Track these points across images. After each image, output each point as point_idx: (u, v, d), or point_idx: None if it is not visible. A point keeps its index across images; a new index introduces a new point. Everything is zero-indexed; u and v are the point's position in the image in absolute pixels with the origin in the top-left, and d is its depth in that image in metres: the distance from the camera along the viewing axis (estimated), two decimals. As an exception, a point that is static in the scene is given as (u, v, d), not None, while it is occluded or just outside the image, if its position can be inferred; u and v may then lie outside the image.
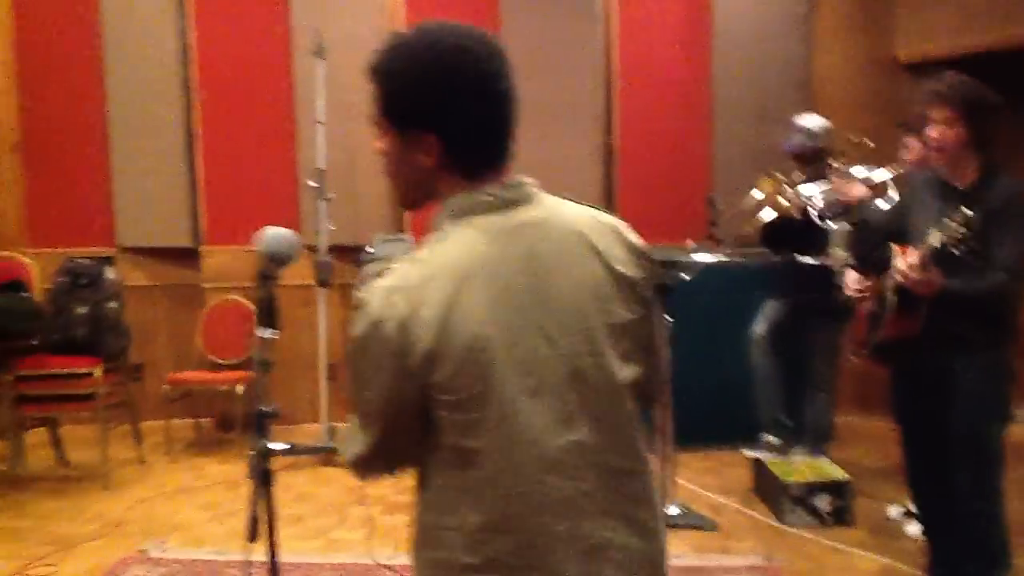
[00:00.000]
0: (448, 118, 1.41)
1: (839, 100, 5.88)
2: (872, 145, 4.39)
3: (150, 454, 5.41)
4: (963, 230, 2.54)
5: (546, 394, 1.40)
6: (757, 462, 4.66)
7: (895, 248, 3.00)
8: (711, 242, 4.61)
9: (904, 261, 2.81)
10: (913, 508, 4.21)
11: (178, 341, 6.01)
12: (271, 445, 1.94)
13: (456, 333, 1.35)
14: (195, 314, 5.89)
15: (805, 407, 4.76)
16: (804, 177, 4.49)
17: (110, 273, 5.09)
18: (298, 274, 5.88)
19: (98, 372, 4.82)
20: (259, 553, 3.99)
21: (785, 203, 4.45)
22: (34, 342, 4.88)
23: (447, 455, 1.42)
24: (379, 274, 1.42)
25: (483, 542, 1.41)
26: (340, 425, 5.69)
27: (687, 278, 4.15)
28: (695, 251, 4.58)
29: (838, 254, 3.03)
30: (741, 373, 4.91)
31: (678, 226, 5.81)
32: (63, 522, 4.38)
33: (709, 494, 4.65)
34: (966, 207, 2.96)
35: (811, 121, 4.66)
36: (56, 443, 5.21)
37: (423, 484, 1.49)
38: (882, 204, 4.08)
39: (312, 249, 5.72)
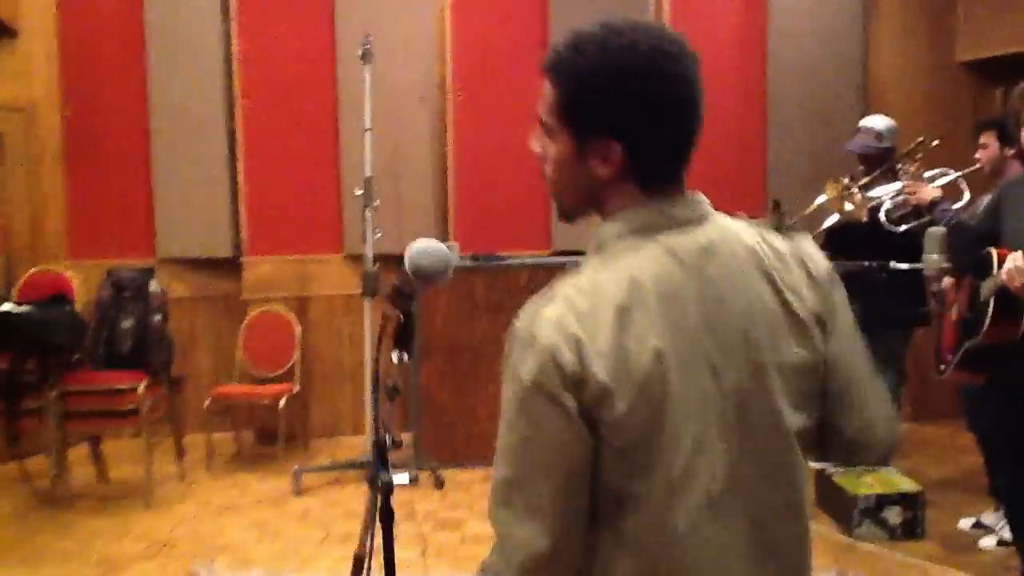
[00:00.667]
0: (639, 126, 1.26)
1: (896, 102, 5.70)
2: (936, 143, 4.25)
3: (191, 470, 5.30)
4: None
5: (711, 434, 1.25)
6: (822, 474, 4.48)
7: (994, 252, 2.83)
8: None
9: (1014, 263, 2.64)
10: (986, 520, 4.05)
11: (218, 353, 5.90)
12: (395, 479, 1.72)
13: (632, 365, 1.20)
14: (236, 326, 5.78)
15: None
16: (869, 179, 4.32)
17: (154, 285, 5.00)
18: (338, 283, 5.81)
19: (142, 387, 4.71)
20: (312, 575, 3.93)
21: (850, 207, 4.28)
22: (77, 356, 4.79)
23: (606, 504, 1.25)
24: (537, 302, 1.27)
25: None
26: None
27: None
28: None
29: (932, 259, 2.86)
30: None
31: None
32: (110, 542, 4.26)
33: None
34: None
35: (878, 122, 4.49)
36: (98, 459, 5.11)
37: None
38: (955, 206, 3.92)
39: (356, 259, 5.64)
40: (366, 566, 1.88)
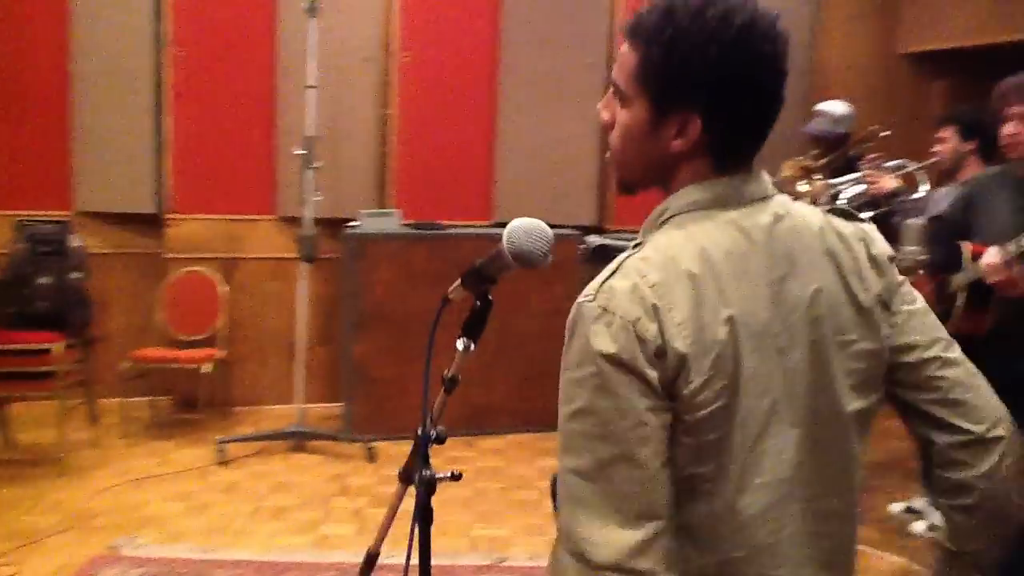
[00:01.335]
0: (722, 101, 1.21)
1: (839, 90, 5.74)
2: (887, 133, 4.29)
3: (104, 436, 5.02)
4: None
5: (778, 412, 1.21)
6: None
7: (967, 247, 2.85)
8: None
9: (994, 258, 2.65)
10: (916, 505, 4.14)
11: (136, 314, 5.59)
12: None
13: (707, 336, 1.15)
14: (156, 286, 5.48)
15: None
16: (826, 160, 4.33)
17: (74, 240, 4.67)
18: (269, 245, 5.57)
19: (59, 348, 4.41)
20: (246, 551, 3.75)
21: (804, 188, 4.29)
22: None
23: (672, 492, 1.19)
24: (604, 273, 1.20)
25: None
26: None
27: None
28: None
29: (910, 251, 2.85)
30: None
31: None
32: (21, 513, 3.98)
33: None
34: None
35: (837, 107, 4.51)
36: (3, 423, 4.78)
37: None
38: (912, 197, 3.96)
39: (289, 221, 5.41)
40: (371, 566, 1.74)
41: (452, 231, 5.24)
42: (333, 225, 5.27)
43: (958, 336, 2.85)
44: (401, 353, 5.11)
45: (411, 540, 1.45)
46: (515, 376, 5.28)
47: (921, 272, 2.93)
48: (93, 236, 5.41)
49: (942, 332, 1.34)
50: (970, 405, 1.32)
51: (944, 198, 3.91)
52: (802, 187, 4.29)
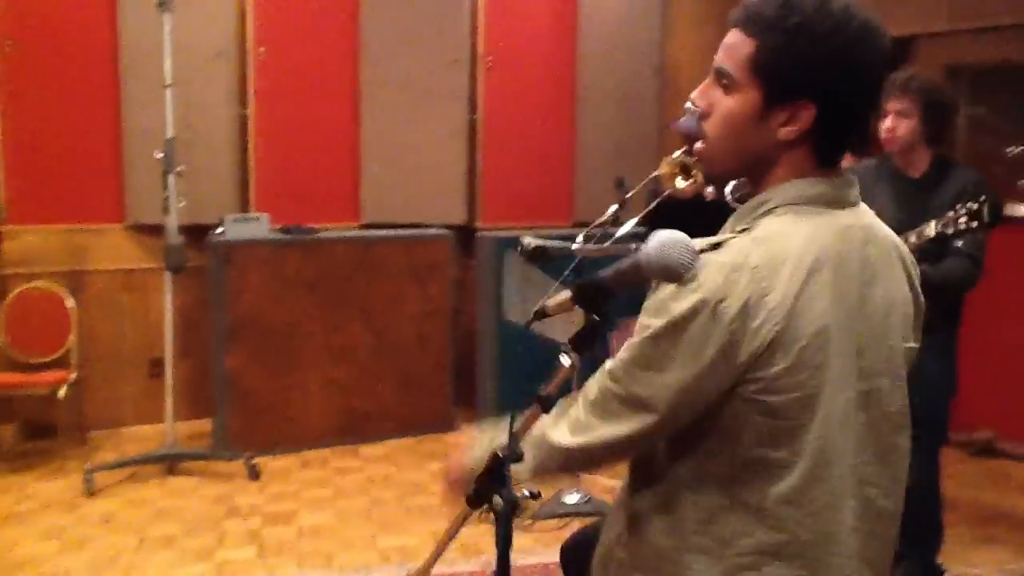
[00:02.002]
0: (839, 93, 1.26)
1: (688, 87, 5.97)
2: None
3: (-59, 472, 4.54)
4: (973, 222, 2.60)
5: (852, 411, 1.28)
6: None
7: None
8: (617, 226, 4.52)
9: None
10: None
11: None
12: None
13: (801, 325, 1.20)
14: (-9, 305, 4.99)
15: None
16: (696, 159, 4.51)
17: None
18: (119, 256, 5.19)
19: None
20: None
21: (683, 183, 4.44)
22: None
23: (734, 468, 1.25)
24: (704, 247, 1.23)
25: (754, 567, 1.26)
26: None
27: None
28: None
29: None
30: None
31: (542, 207, 5.73)
32: None
33: (599, 478, 4.60)
34: (921, 197, 3.08)
35: (701, 105, 4.70)
36: None
37: (664, 503, 1.31)
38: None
39: (141, 229, 5.07)
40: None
41: (324, 235, 5.08)
42: (191, 232, 4.97)
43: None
44: (277, 363, 4.91)
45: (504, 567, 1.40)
46: (395, 380, 5.20)
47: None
48: (-87, 253, 4.86)
49: None
50: None
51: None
52: (681, 183, 4.44)
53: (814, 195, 1.29)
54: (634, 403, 1.25)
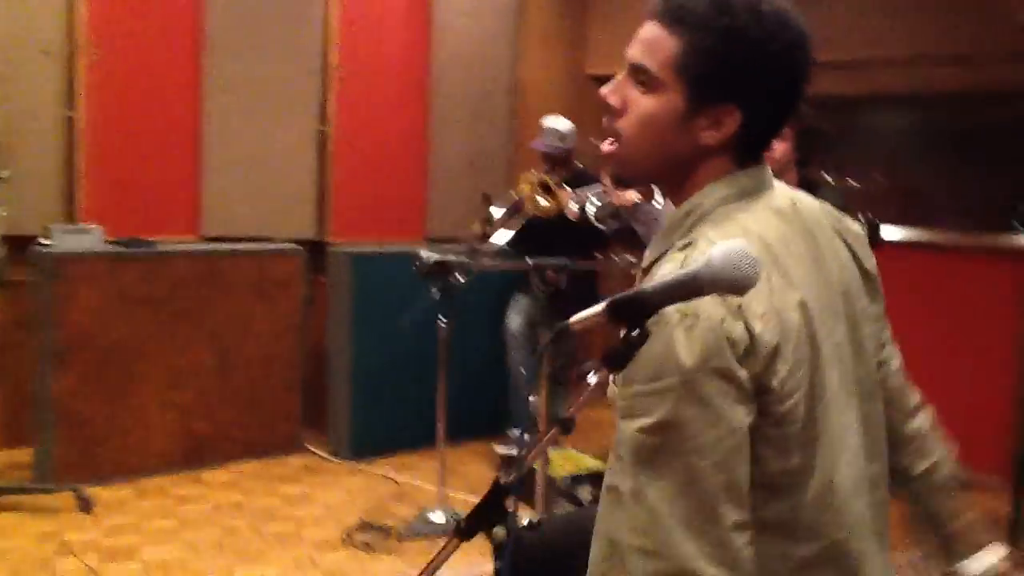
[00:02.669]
0: (768, 99, 1.22)
1: (537, 107, 6.10)
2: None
3: None
4: None
5: (843, 387, 1.25)
6: (505, 457, 4.67)
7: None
8: (484, 242, 4.50)
9: None
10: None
11: None
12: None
13: (786, 323, 1.17)
14: None
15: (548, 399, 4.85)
16: (559, 177, 4.56)
17: None
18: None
19: None
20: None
21: (545, 203, 4.49)
22: None
23: (753, 491, 1.17)
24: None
25: None
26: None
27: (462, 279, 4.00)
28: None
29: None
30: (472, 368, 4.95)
31: (394, 222, 5.63)
32: None
33: (459, 495, 4.53)
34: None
35: (561, 123, 4.77)
36: None
37: None
38: (653, 207, 4.31)
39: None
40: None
41: (164, 249, 4.75)
42: (12, 243, 4.53)
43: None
44: (110, 386, 4.54)
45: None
46: (239, 401, 4.93)
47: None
48: None
49: None
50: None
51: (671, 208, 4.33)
52: (542, 201, 4.49)
53: (739, 190, 1.25)
54: (705, 497, 1.14)
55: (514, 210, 4.55)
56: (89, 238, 4.55)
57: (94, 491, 4.34)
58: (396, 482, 4.72)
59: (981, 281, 4.78)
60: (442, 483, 4.13)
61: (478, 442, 5.20)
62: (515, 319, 4.72)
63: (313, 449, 5.14)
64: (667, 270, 1.19)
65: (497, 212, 4.59)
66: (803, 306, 1.19)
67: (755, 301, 1.13)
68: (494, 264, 3.51)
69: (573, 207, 4.40)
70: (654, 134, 1.25)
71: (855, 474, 1.25)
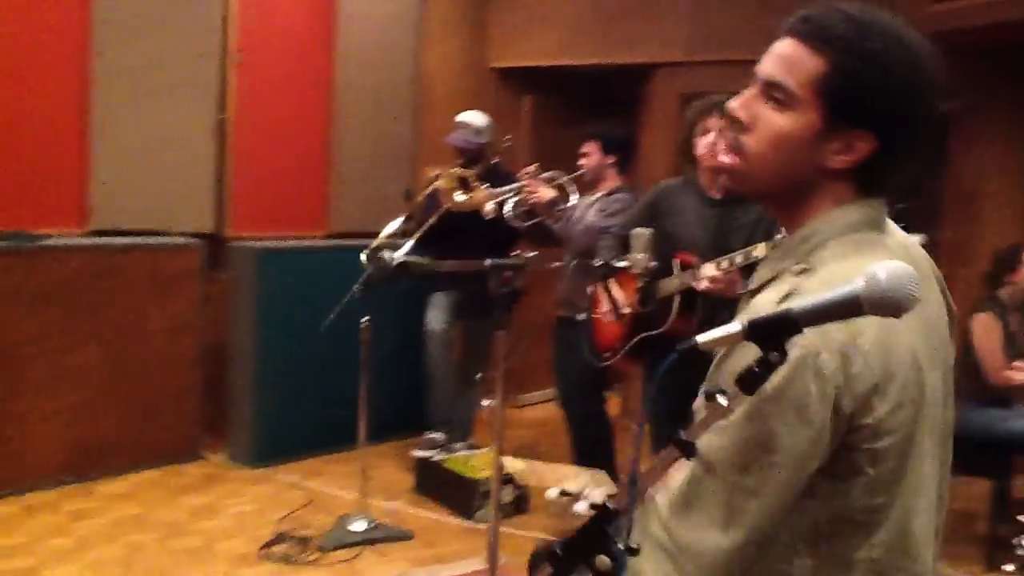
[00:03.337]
0: (911, 128, 1.20)
1: (441, 99, 6.00)
2: (510, 141, 4.62)
3: None
4: None
5: (932, 434, 1.24)
6: (423, 461, 4.56)
7: (676, 257, 3.18)
8: (407, 238, 4.32)
9: (712, 272, 2.98)
10: (569, 488, 4.52)
11: None
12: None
13: (895, 363, 1.14)
14: None
15: (457, 401, 4.77)
16: (475, 172, 4.47)
17: None
18: None
19: None
20: None
21: (461, 198, 4.39)
22: None
23: (821, 524, 1.17)
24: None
25: None
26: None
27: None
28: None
29: (638, 258, 3.08)
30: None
31: (296, 216, 5.40)
32: None
33: (376, 500, 4.38)
34: (722, 216, 3.28)
35: (477, 118, 4.67)
36: None
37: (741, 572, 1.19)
38: (567, 205, 4.29)
39: None
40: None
41: (51, 243, 4.39)
42: None
43: (668, 337, 3.19)
44: (-8, 392, 4.16)
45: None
46: (135, 406, 4.62)
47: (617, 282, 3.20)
48: None
49: None
50: None
51: (588, 207, 4.32)
52: (460, 197, 4.39)
53: (861, 221, 1.23)
54: (751, 493, 1.13)
55: (432, 206, 4.43)
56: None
57: (-29, 508, 3.98)
58: (306, 489, 4.53)
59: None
60: (363, 489, 3.99)
61: (386, 445, 5.06)
62: (435, 318, 4.60)
63: (212, 456, 4.88)
64: (773, 295, 1.16)
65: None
66: (914, 349, 1.17)
67: (865, 335, 1.11)
68: (455, 266, 3.39)
69: (490, 205, 4.33)
70: (783, 152, 1.22)
71: (927, 524, 1.24)
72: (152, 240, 4.76)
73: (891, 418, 1.14)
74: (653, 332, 3.24)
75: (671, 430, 2.93)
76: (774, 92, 1.21)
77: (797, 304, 0.99)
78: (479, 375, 4.82)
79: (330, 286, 4.85)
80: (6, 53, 4.54)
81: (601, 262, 3.52)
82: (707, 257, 3.13)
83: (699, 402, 1.22)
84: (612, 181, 4.32)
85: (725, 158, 1.30)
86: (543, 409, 6.32)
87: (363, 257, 3.84)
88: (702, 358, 1.13)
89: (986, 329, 4.20)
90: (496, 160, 4.60)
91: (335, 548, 3.81)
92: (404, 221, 4.14)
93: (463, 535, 4.08)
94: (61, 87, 4.69)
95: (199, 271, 4.82)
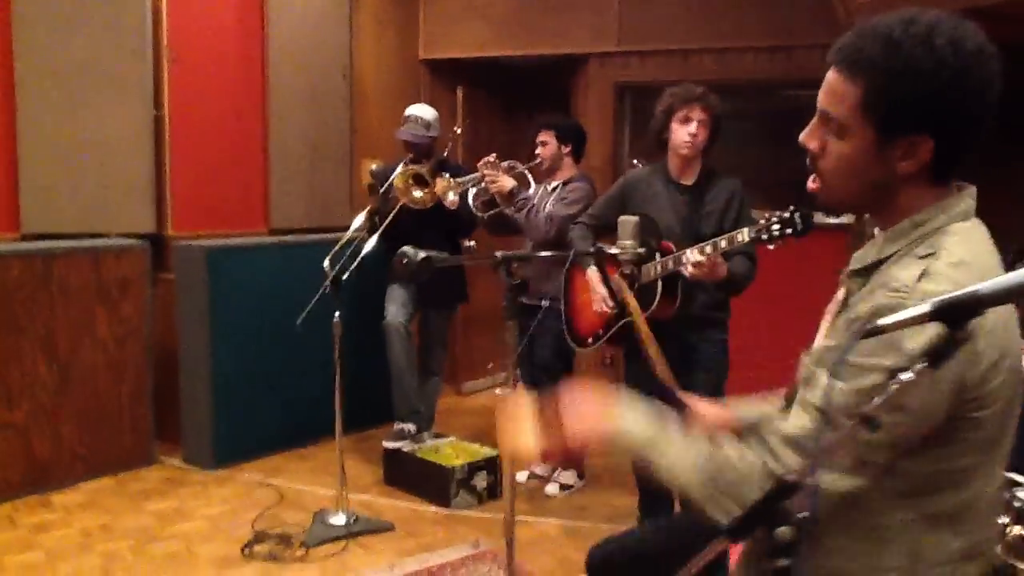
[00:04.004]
0: (957, 123, 1.30)
1: (374, 91, 5.99)
2: (459, 131, 4.68)
3: None
4: (787, 230, 2.91)
5: (1014, 409, 1.38)
6: (391, 452, 4.58)
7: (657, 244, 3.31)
8: (373, 232, 4.29)
9: (697, 257, 3.11)
10: (538, 471, 4.64)
11: None
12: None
13: (1009, 340, 1.28)
14: None
15: (421, 391, 4.81)
16: (430, 165, 4.50)
17: None
18: None
19: None
20: None
21: (419, 195, 4.42)
22: None
23: (918, 482, 1.31)
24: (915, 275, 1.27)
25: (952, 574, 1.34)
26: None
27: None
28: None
29: (626, 244, 3.17)
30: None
31: (236, 213, 5.30)
32: None
33: (349, 494, 4.39)
34: (692, 203, 3.43)
35: (425, 112, 4.68)
36: None
37: (845, 527, 1.34)
38: (526, 195, 4.38)
39: None
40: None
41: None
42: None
43: (651, 320, 3.33)
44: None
45: None
46: (85, 415, 4.48)
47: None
48: None
49: None
50: None
51: (546, 196, 4.42)
52: (417, 193, 4.41)
53: (968, 211, 1.36)
54: (872, 450, 1.27)
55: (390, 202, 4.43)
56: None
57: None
58: (273, 487, 4.49)
59: (807, 259, 5.25)
60: (342, 483, 3.99)
61: (346, 439, 5.03)
62: (394, 311, 4.61)
63: (167, 460, 4.77)
64: (905, 276, 1.28)
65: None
66: (1015, 329, 1.31)
67: (988, 316, 1.22)
68: (471, 260, 3.42)
69: (452, 196, 4.38)
70: (852, 172, 1.35)
71: (998, 487, 1.39)
72: (98, 243, 4.61)
73: (999, 391, 1.27)
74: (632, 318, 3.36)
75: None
76: (829, 123, 1.35)
77: (983, 287, 1.10)
78: (437, 364, 4.87)
79: (280, 283, 4.84)
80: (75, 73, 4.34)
81: (589, 249, 3.58)
82: (680, 243, 3.28)
83: (810, 360, 1.38)
84: (568, 170, 4.44)
85: (811, 184, 1.44)
86: (488, 396, 6.41)
87: (326, 263, 3.85)
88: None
89: None
90: (445, 153, 4.64)
91: (319, 543, 3.81)
92: (367, 216, 4.14)
93: (443, 523, 4.14)
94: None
95: (146, 273, 4.69)
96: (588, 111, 5.86)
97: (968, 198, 1.38)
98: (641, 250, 3.19)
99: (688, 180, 3.47)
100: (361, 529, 3.97)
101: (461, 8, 6.16)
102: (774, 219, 2.90)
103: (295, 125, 5.48)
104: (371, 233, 4.15)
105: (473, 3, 6.11)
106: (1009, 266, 1.50)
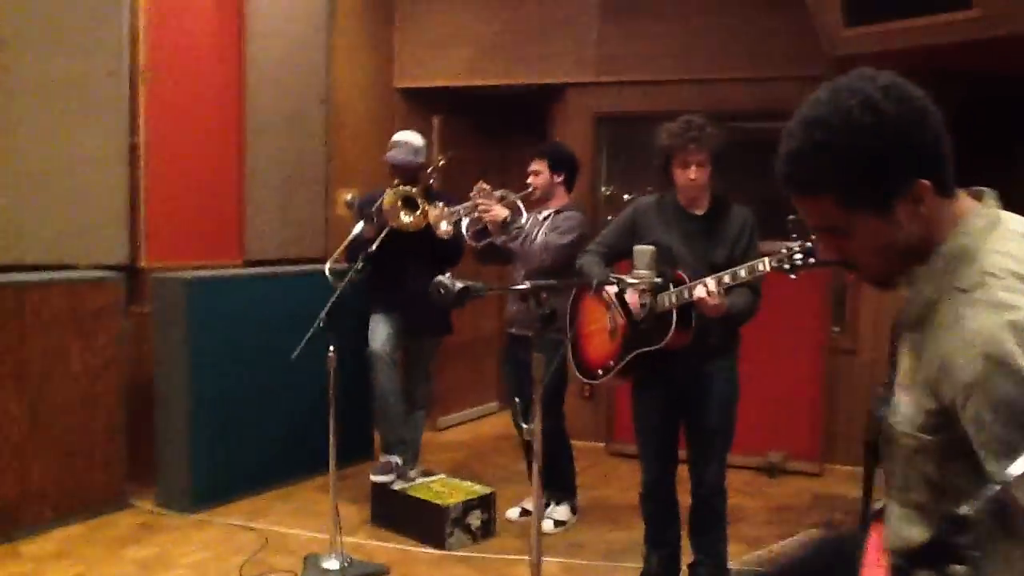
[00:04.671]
0: (923, 154, 1.32)
1: (351, 118, 5.89)
2: (442, 163, 4.60)
3: None
4: (810, 259, 2.88)
5: None
6: (379, 490, 4.43)
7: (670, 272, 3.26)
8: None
9: (712, 287, 3.08)
10: (528, 507, 4.51)
11: None
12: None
13: None
14: None
15: (407, 424, 4.68)
16: (420, 190, 4.39)
17: None
18: None
19: None
20: None
21: (407, 220, 4.32)
22: None
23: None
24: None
25: None
26: None
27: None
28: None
29: (642, 274, 3.12)
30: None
31: (211, 244, 5.13)
32: None
33: (329, 535, 4.22)
34: (706, 232, 3.40)
35: (414, 138, 4.58)
36: None
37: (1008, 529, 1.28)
38: (518, 225, 4.30)
39: None
40: None
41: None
42: None
43: (665, 351, 3.27)
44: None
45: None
46: (56, 453, 4.25)
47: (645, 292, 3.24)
48: None
49: None
50: None
51: (538, 225, 4.35)
52: (407, 218, 4.31)
53: (994, 220, 1.38)
54: None
55: (379, 223, 4.31)
56: None
57: None
58: (256, 531, 4.29)
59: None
60: (337, 525, 3.83)
61: (324, 477, 4.86)
62: (379, 340, 4.48)
63: (140, 504, 4.54)
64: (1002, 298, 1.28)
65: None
66: None
67: None
68: (503, 288, 3.32)
69: (446, 227, 4.28)
70: (882, 252, 1.38)
71: None
72: (69, 274, 4.40)
73: None
74: (651, 348, 3.31)
75: (658, 443, 3.00)
76: (833, 231, 1.39)
77: None
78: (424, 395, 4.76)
79: (259, 316, 4.69)
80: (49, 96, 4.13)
81: (608, 278, 3.46)
82: (693, 273, 3.24)
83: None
84: (560, 199, 4.38)
85: (851, 277, 1.47)
86: (464, 430, 6.29)
87: (326, 270, 3.76)
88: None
89: None
90: (431, 181, 4.54)
91: (314, 590, 3.65)
92: (358, 236, 4.06)
93: (439, 564, 4.00)
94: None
95: (120, 306, 4.49)
96: (566, 141, 5.81)
97: (993, 203, 1.40)
98: (658, 279, 3.15)
99: (699, 210, 3.44)
100: (356, 574, 3.81)
101: (437, 36, 6.11)
102: (796, 248, 2.88)
103: (271, 152, 5.34)
104: (351, 261, 4.05)
105: (450, 32, 6.06)
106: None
